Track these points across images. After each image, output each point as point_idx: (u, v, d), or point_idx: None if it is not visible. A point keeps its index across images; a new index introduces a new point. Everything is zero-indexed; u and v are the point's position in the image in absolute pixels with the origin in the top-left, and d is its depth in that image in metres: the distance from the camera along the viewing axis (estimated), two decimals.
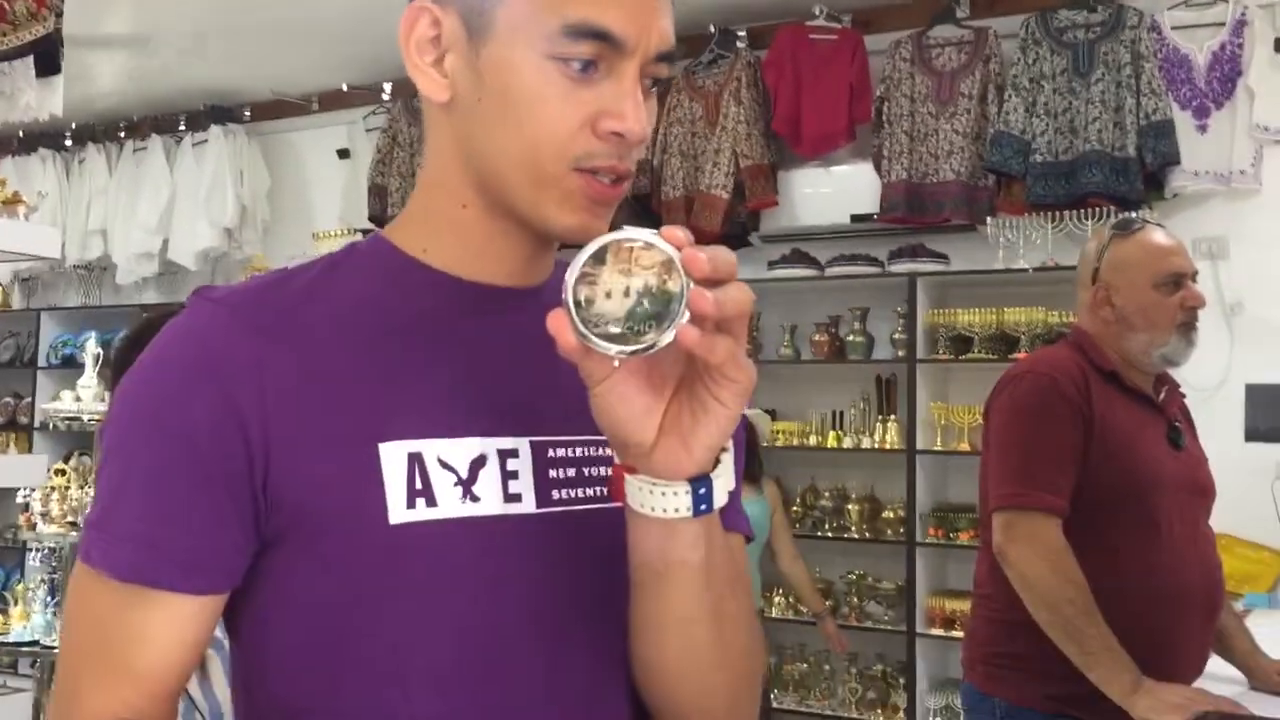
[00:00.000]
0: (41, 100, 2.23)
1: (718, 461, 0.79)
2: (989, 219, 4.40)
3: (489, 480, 0.85)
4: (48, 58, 2.20)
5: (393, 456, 0.83)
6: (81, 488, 4.34)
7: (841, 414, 4.80)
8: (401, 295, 0.89)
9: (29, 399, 6.55)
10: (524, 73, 0.83)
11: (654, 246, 0.72)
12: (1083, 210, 4.22)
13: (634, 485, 0.79)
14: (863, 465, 4.76)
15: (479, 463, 0.85)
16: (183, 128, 6.26)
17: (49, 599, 4.27)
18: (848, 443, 4.70)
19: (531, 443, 0.88)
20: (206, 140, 6.15)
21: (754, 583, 4.30)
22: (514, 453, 0.87)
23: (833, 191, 4.78)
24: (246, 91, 6.04)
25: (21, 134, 6.43)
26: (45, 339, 6.60)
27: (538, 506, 0.87)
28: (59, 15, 2.17)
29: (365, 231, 5.69)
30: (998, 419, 2.27)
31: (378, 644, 0.82)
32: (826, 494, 4.79)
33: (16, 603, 4.38)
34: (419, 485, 0.83)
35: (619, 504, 0.82)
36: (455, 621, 0.83)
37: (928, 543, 4.41)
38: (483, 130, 0.85)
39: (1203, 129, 4.17)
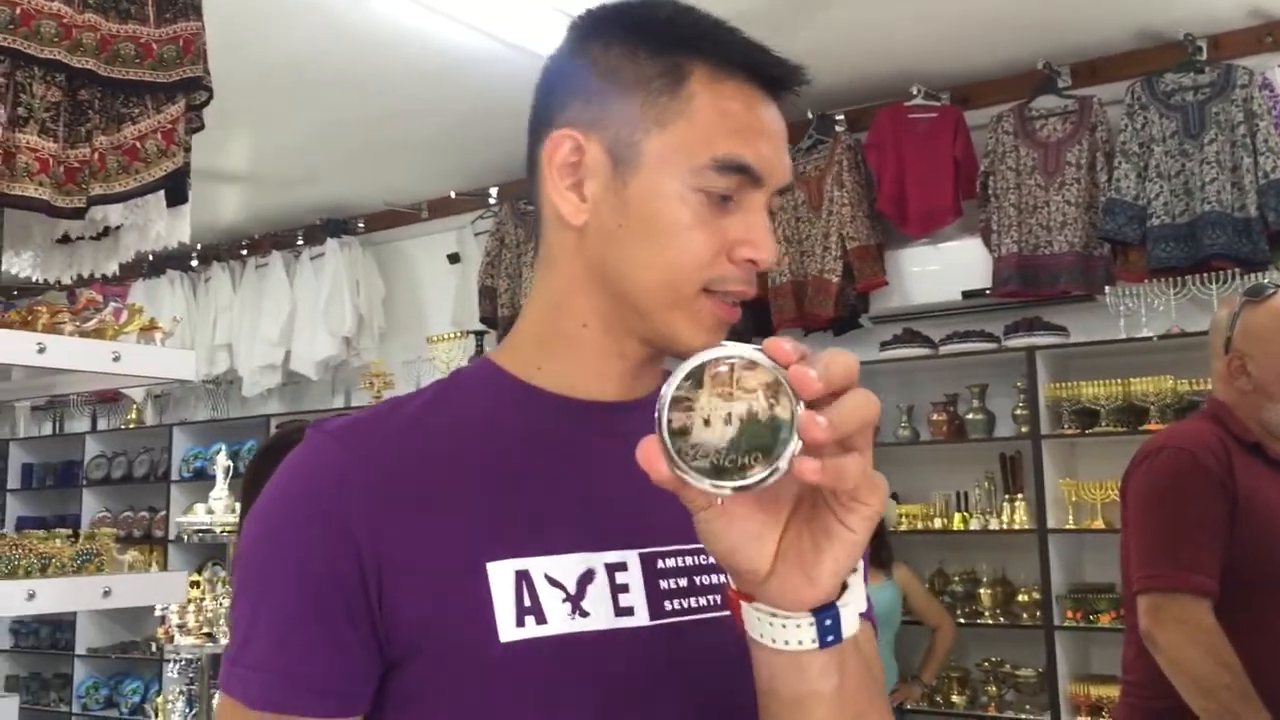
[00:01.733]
0: (171, 229, 2.34)
1: (845, 586, 0.73)
2: (1108, 288, 4.29)
3: (598, 595, 0.85)
4: (177, 189, 2.30)
5: (500, 576, 0.83)
6: (215, 598, 4.44)
7: (966, 494, 4.68)
8: (509, 415, 0.91)
9: (164, 512, 6.76)
10: (670, 202, 0.87)
11: (758, 366, 0.65)
12: (1206, 274, 4.10)
13: (751, 615, 0.73)
14: (992, 547, 4.62)
15: (586, 578, 0.85)
16: (300, 242, 6.50)
17: (188, 710, 4.35)
18: (974, 524, 4.57)
19: (640, 555, 0.88)
20: (323, 253, 6.36)
21: (889, 672, 4.20)
22: (623, 566, 0.87)
23: (942, 268, 4.73)
24: (359, 204, 6.26)
25: (151, 257, 6.73)
26: (177, 453, 6.83)
27: (651, 619, 0.87)
28: (188, 150, 2.28)
29: (479, 334, 5.80)
30: (1135, 497, 2.19)
31: None
32: (956, 578, 4.66)
33: (157, 715, 4.47)
34: (527, 603, 0.83)
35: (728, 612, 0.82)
36: None
37: (1066, 626, 4.24)
38: (620, 253, 0.89)
39: None
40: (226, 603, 4.39)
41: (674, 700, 0.85)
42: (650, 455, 0.67)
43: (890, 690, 4.16)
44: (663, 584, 0.88)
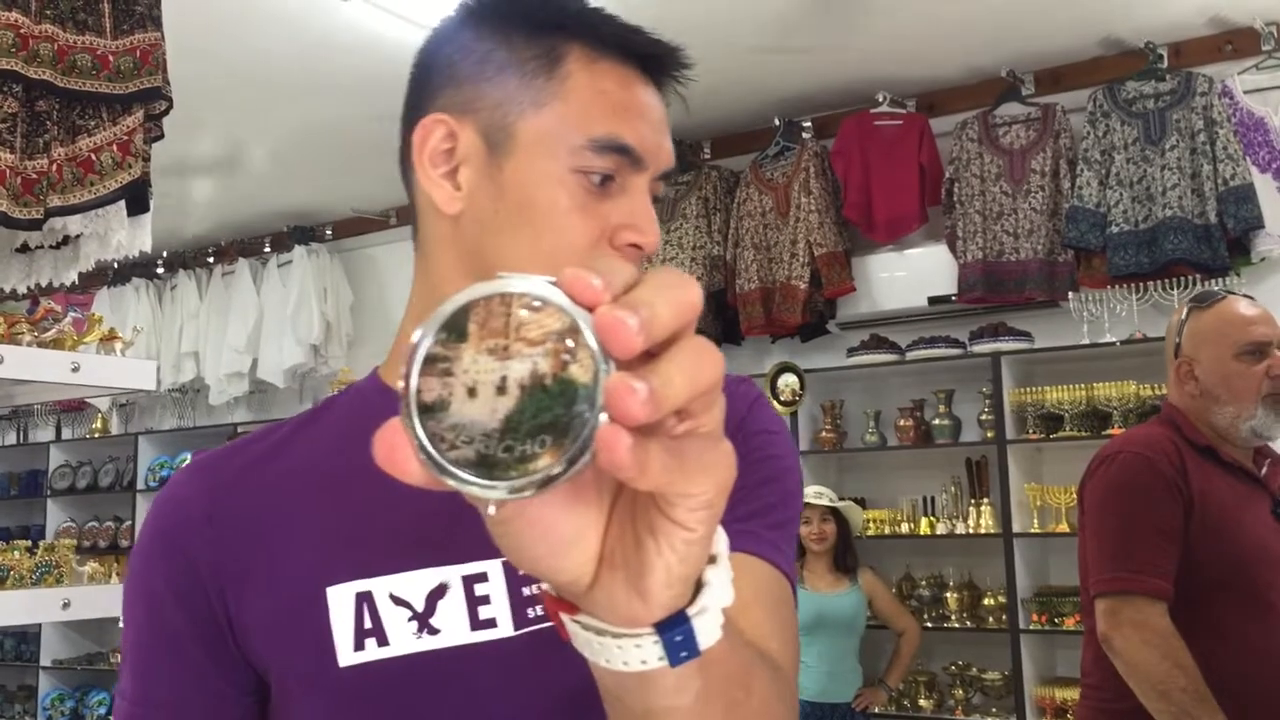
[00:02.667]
0: (132, 238, 2.32)
1: (699, 584, 0.52)
2: (1071, 294, 4.33)
3: (450, 610, 0.82)
4: (137, 199, 2.29)
5: (340, 600, 0.82)
6: None
7: (932, 499, 4.71)
8: (371, 427, 0.74)
9: (129, 522, 6.70)
10: (546, 185, 0.84)
11: (547, 305, 0.43)
12: (1168, 280, 4.14)
13: (578, 632, 0.53)
14: (958, 552, 4.65)
15: (437, 593, 0.82)
16: (268, 250, 6.46)
17: None
18: (941, 529, 4.60)
19: (504, 563, 0.82)
20: (291, 261, 6.33)
21: (853, 676, 4.21)
22: (482, 576, 0.83)
23: (908, 275, 4.76)
24: (327, 211, 6.23)
25: (116, 265, 6.68)
26: (143, 462, 6.77)
27: (515, 628, 0.82)
28: (146, 160, 2.26)
29: None
30: (1092, 501, 2.21)
31: None
32: (923, 582, 4.68)
33: None
34: (368, 625, 0.81)
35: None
36: None
37: (1032, 630, 4.27)
38: (496, 241, 0.86)
39: None
40: None
41: (542, 711, 0.80)
42: (391, 447, 0.44)
43: (855, 694, 4.18)
44: (526, 590, 0.82)
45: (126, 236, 2.37)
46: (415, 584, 0.82)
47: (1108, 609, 2.08)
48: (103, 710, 6.50)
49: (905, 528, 4.68)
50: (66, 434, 7.35)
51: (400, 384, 0.44)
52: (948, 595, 4.55)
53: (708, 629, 0.53)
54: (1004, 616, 4.36)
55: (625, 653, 0.52)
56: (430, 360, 0.43)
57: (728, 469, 0.48)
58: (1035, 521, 4.38)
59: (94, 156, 2.16)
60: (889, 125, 4.74)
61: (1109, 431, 4.17)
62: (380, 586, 0.82)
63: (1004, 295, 4.46)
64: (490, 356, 0.43)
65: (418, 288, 0.93)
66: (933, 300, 4.68)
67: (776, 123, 4.91)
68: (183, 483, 0.90)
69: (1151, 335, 4.18)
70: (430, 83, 0.91)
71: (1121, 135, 4.26)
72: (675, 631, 0.51)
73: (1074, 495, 4.22)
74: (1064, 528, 4.27)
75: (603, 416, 0.42)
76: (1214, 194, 4.04)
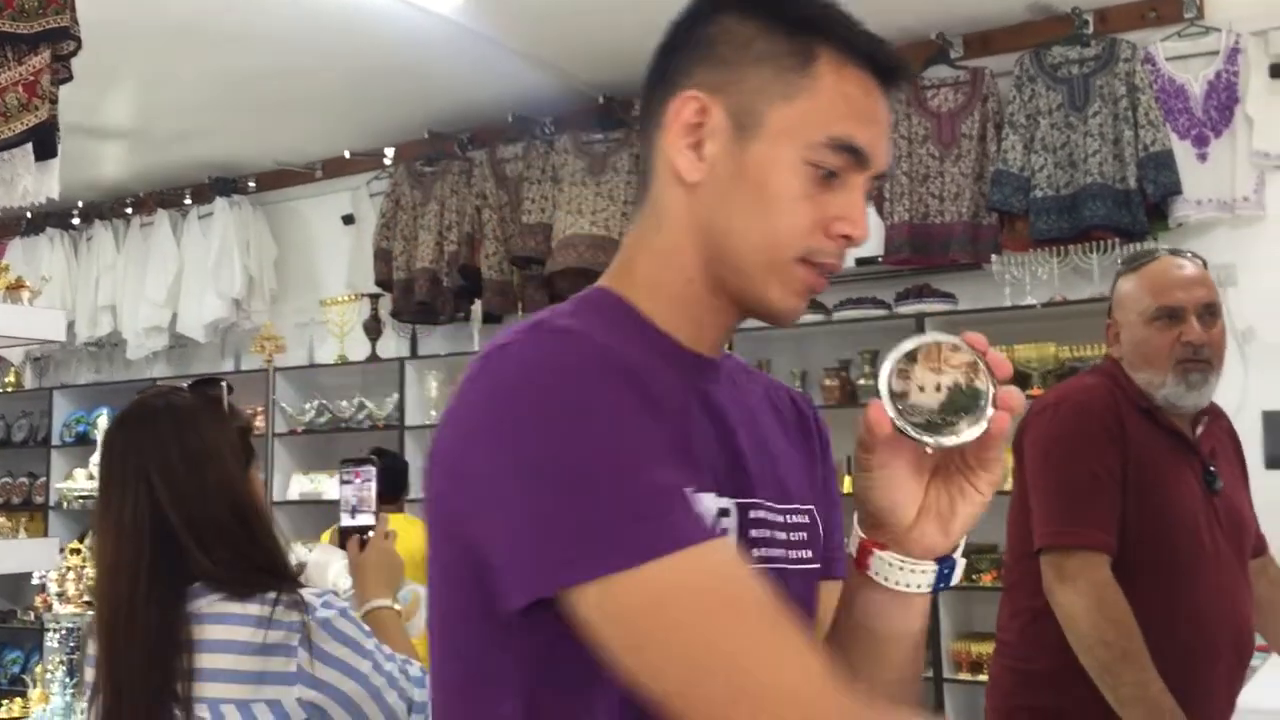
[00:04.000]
0: (39, 184, 2.25)
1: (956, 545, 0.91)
2: (994, 257, 4.39)
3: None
4: (44, 143, 2.22)
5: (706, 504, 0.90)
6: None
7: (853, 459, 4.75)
8: (649, 353, 0.94)
9: (44, 478, 6.56)
10: (783, 171, 0.93)
11: (961, 349, 0.82)
12: (1087, 244, 4.21)
13: (884, 560, 0.90)
14: None
15: (715, 519, 0.92)
16: (188, 201, 6.32)
17: (68, 680, 4.24)
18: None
19: (737, 504, 0.95)
20: (212, 213, 6.20)
21: None
22: (727, 512, 0.94)
23: None
24: (250, 163, 6.10)
25: (29, 215, 6.49)
26: (58, 417, 6.62)
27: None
28: (53, 102, 2.19)
29: (373, 296, 5.71)
30: (1033, 451, 2.16)
31: None
32: (845, 540, 4.74)
33: (36, 685, 4.35)
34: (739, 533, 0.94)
35: (803, 566, 0.99)
36: None
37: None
38: (727, 213, 0.95)
39: (1203, 157, 4.17)
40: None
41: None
42: (878, 413, 0.84)
43: None
44: (752, 533, 0.96)
45: (33, 182, 2.29)
46: (708, 505, 0.90)
47: (1052, 564, 2.05)
48: (16, 669, 6.39)
49: None
50: None
51: (883, 382, 0.83)
52: None
53: (957, 572, 0.92)
54: None
55: (915, 576, 0.90)
56: (895, 371, 0.82)
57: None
58: None
59: None
60: None
61: (1029, 392, 4.23)
62: (710, 501, 0.91)
63: (929, 257, 4.50)
64: (930, 373, 0.82)
65: (649, 243, 0.99)
66: (860, 261, 4.70)
67: None
68: (596, 352, 0.87)
69: (1071, 298, 4.26)
70: (686, 54, 0.97)
71: (1046, 100, 4.31)
72: (946, 565, 0.91)
73: None
74: None
75: (990, 410, 0.83)
76: (1134, 159, 4.11)
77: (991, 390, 0.82)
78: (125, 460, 1.64)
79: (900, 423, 0.81)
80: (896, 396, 0.81)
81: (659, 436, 0.84)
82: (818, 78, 0.94)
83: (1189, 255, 2.22)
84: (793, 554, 1.00)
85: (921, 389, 0.81)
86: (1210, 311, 2.15)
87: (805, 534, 1.02)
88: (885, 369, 0.82)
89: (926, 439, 0.81)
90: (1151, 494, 2.08)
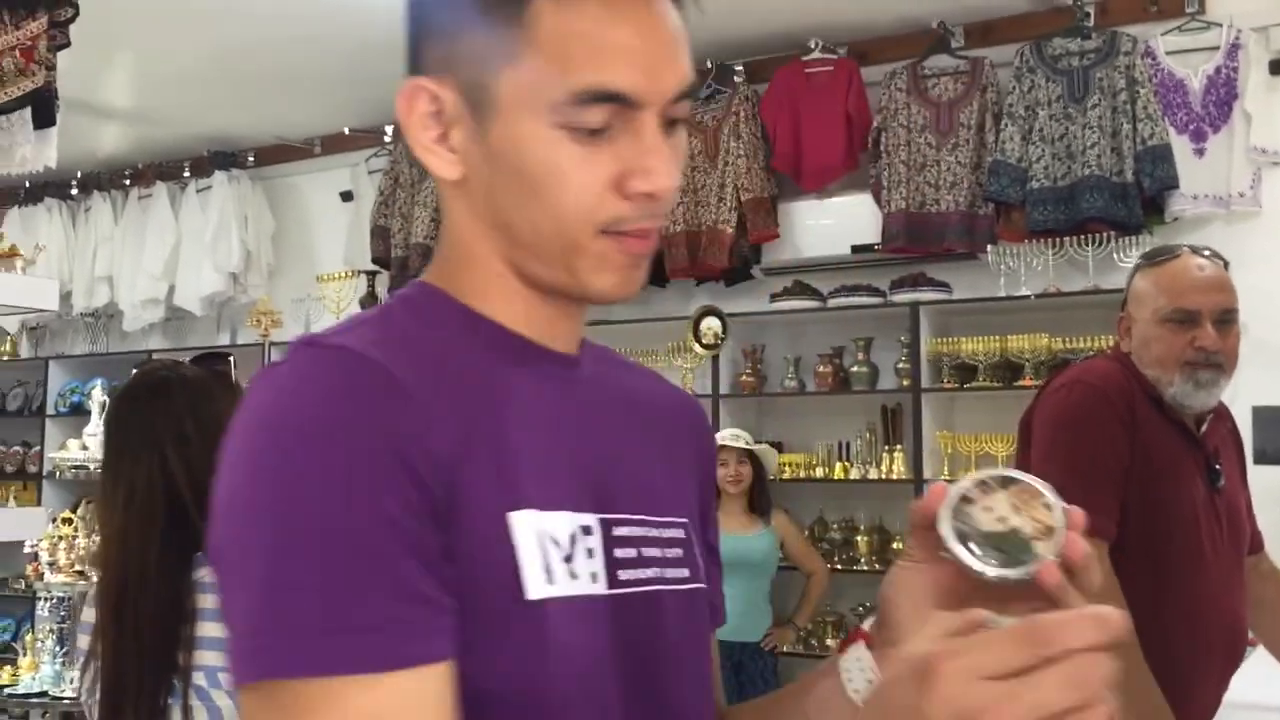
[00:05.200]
0: (37, 152, 2.25)
1: None
2: (990, 247, 4.40)
3: (580, 558, 0.80)
4: (43, 110, 2.22)
5: (522, 527, 0.76)
6: (89, 536, 4.34)
7: (848, 445, 4.78)
8: (485, 351, 0.82)
9: (38, 448, 6.56)
10: (535, 148, 0.77)
11: (1053, 511, 0.74)
12: (1083, 236, 4.22)
13: (855, 655, 0.82)
14: (870, 496, 4.74)
15: (573, 539, 0.79)
16: (187, 174, 6.31)
17: (58, 649, 4.26)
18: (855, 474, 4.68)
19: (600, 520, 0.82)
20: (210, 186, 6.19)
21: (763, 617, 4.29)
22: (589, 529, 0.81)
23: (833, 223, 4.78)
24: (249, 137, 6.09)
25: (28, 184, 6.48)
26: (53, 387, 6.62)
27: (608, 588, 0.81)
28: (51, 69, 2.19)
29: (370, 273, 5.72)
30: (1041, 431, 2.13)
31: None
32: (835, 526, 4.77)
33: (26, 653, 4.37)
34: (544, 560, 0.77)
35: (682, 586, 0.86)
36: (562, 701, 0.76)
37: None
38: (504, 205, 0.81)
39: (1200, 152, 4.17)
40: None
41: (625, 670, 0.81)
42: (934, 498, 0.74)
43: (764, 634, 4.26)
44: (617, 552, 0.82)
45: (32, 150, 2.30)
46: (561, 524, 0.79)
47: None
48: (7, 636, 6.40)
49: (820, 472, 4.75)
50: None
51: (970, 480, 0.75)
52: (858, 538, 4.64)
53: None
54: None
55: (868, 688, 0.79)
56: (982, 482, 0.74)
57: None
58: (946, 469, 4.47)
59: None
60: (820, 72, 4.74)
61: (1021, 383, 4.26)
62: (543, 521, 0.77)
63: (925, 246, 4.51)
64: (1010, 508, 0.73)
65: (444, 248, 0.87)
66: (856, 249, 4.72)
67: (709, 65, 4.88)
68: (374, 374, 0.73)
69: (1065, 290, 4.27)
70: (417, 40, 0.84)
71: (1046, 92, 4.31)
72: None
73: (984, 444, 4.32)
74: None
75: (1026, 569, 0.71)
76: (1132, 153, 4.11)
77: (1044, 559, 0.71)
78: (138, 431, 1.66)
79: (944, 511, 0.73)
80: (963, 500, 0.73)
81: (402, 503, 0.70)
82: (536, 24, 0.76)
83: (1210, 255, 2.17)
84: (669, 573, 0.86)
85: (989, 510, 0.73)
86: (1226, 317, 2.12)
87: (681, 550, 0.88)
88: (975, 476, 0.75)
89: (952, 543, 0.72)
90: (1156, 484, 2.06)
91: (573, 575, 0.78)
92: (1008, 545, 0.72)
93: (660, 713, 0.84)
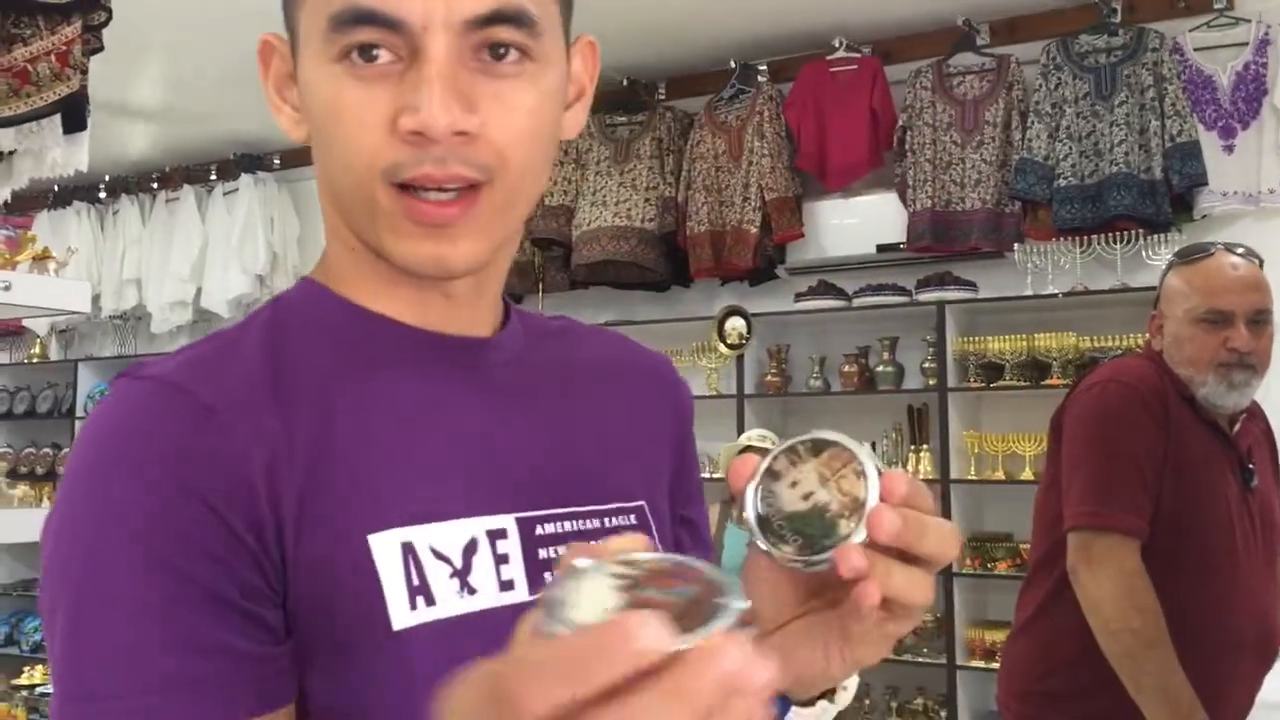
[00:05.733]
0: (68, 157, 2.27)
1: (831, 693, 0.72)
2: (1016, 245, 4.37)
3: (483, 568, 0.73)
4: (74, 115, 2.24)
5: (385, 549, 0.69)
6: None
7: (873, 445, 4.76)
8: (359, 349, 0.75)
9: (67, 449, 6.61)
10: (319, 85, 0.71)
11: (864, 478, 0.61)
12: (1111, 234, 4.19)
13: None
14: None
15: (471, 548, 0.72)
16: (214, 177, 6.35)
17: None
18: None
19: (518, 519, 0.75)
20: (237, 189, 6.23)
21: None
22: (502, 533, 0.74)
23: (858, 222, 4.77)
24: (275, 140, 6.12)
25: (56, 188, 6.54)
26: (83, 389, 6.68)
27: (531, 593, 0.74)
28: (84, 73, 2.21)
29: None
30: (1075, 429, 2.12)
31: None
32: None
33: None
34: (416, 581, 0.69)
35: None
36: None
37: (965, 573, 4.36)
38: (319, 162, 0.74)
39: (1229, 149, 4.14)
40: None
41: None
42: (742, 469, 0.63)
43: None
44: (541, 553, 0.76)
45: (62, 154, 2.31)
46: (451, 536, 0.72)
47: (1080, 542, 2.01)
48: (38, 636, 6.46)
49: None
50: (4, 359, 7.22)
51: (777, 450, 0.64)
52: None
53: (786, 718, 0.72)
54: None
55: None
56: (792, 448, 0.63)
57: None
58: (972, 468, 4.45)
59: (30, 67, 2.10)
60: (844, 70, 4.73)
61: (1048, 382, 4.23)
62: (420, 537, 0.70)
63: (951, 244, 4.49)
64: (817, 477, 0.62)
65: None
66: (881, 248, 4.70)
67: (733, 65, 4.88)
68: (177, 405, 0.68)
69: (1093, 288, 4.24)
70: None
71: (1073, 89, 4.28)
72: (780, 707, 0.70)
73: (1011, 444, 4.30)
74: (1000, 475, 4.35)
75: (824, 557, 0.60)
76: (1160, 150, 4.08)
77: (848, 540, 0.60)
78: None
79: (748, 491, 0.63)
80: (769, 474, 0.63)
81: (201, 546, 0.64)
82: None
83: (1245, 253, 2.16)
84: None
85: (794, 484, 0.62)
86: (1261, 318, 2.11)
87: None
88: (789, 441, 0.64)
89: (754, 529, 0.63)
90: (1189, 483, 2.05)
91: (469, 590, 0.71)
92: (810, 527, 0.61)
93: None
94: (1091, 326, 4.22)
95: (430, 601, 0.70)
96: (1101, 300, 4.24)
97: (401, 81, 0.68)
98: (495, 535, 0.74)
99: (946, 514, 4.40)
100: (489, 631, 0.69)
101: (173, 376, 0.69)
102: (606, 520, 0.80)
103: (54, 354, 7.01)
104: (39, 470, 6.74)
